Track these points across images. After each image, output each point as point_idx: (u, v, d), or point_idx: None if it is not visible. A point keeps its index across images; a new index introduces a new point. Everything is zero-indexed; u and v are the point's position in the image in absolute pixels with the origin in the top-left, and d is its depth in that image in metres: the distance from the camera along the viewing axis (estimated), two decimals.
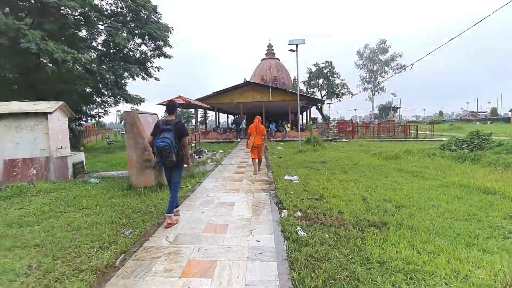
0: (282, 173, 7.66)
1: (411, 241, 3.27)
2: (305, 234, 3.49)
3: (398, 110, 72.42)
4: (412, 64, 9.11)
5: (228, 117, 39.60)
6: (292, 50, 12.92)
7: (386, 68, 55.34)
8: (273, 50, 41.10)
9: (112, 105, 20.02)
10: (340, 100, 46.27)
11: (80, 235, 3.75)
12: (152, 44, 19.39)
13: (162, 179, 6.01)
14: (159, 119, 5.34)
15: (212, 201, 5.03)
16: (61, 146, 7.58)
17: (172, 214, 3.95)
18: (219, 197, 5.30)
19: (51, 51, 11.15)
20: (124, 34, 15.98)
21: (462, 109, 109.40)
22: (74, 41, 14.80)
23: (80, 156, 8.29)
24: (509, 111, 53.48)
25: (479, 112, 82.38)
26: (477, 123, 53.97)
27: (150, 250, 3.05)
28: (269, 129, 23.85)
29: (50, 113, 7.05)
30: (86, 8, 14.52)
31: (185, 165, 4.20)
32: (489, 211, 4.34)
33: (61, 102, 7.64)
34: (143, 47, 19.68)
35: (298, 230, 3.59)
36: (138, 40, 18.97)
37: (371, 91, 57.13)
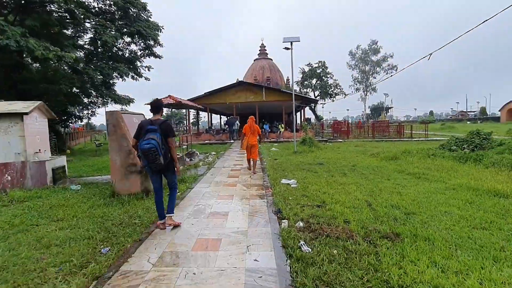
0: (278, 176, 7.22)
1: (432, 257, 2.86)
2: (310, 250, 3.04)
3: (389, 110, 73.00)
4: (431, 54, 8.78)
5: (221, 117, 39.05)
6: (287, 48, 12.51)
7: (378, 69, 55.50)
8: (265, 50, 40.70)
9: (100, 106, 19.23)
10: (333, 101, 46.16)
11: (49, 254, 3.24)
12: (142, 43, 18.73)
13: (149, 184, 5.50)
14: (143, 119, 4.85)
15: (203, 210, 4.54)
16: (39, 150, 6.98)
17: (172, 214, 3.88)
18: (211, 205, 4.81)
19: (32, 49, 10.46)
20: (113, 32, 15.33)
21: (452, 109, 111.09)
22: (59, 39, 14.08)
23: (61, 160, 7.68)
24: (499, 111, 54.24)
25: (469, 111, 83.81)
26: (468, 122, 54.68)
27: (128, 275, 2.55)
28: (263, 129, 23.44)
29: (26, 113, 6.46)
30: (72, 5, 13.85)
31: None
32: (507, 218, 3.98)
33: (39, 102, 7.04)
34: (133, 46, 19.02)
35: (301, 244, 3.14)
36: (128, 39, 18.30)
37: (363, 91, 57.24)
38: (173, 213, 3.91)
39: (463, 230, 3.57)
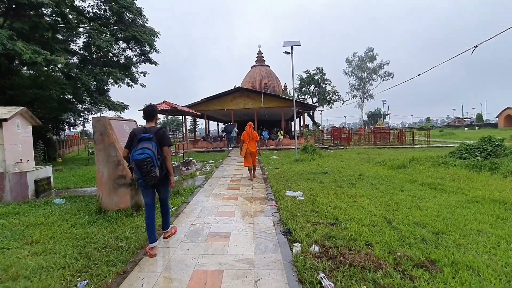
0: (282, 187, 6.66)
1: None
2: (332, 285, 2.48)
3: (386, 116, 73.04)
4: (476, 46, 8.30)
5: (218, 124, 38.54)
6: (287, 52, 12.09)
7: (374, 76, 55.46)
8: (263, 57, 40.51)
9: (94, 112, 18.62)
10: (331, 107, 45.87)
11: None
12: (138, 49, 18.27)
13: (140, 199, 4.93)
14: (135, 127, 4.31)
15: (201, 231, 3.95)
16: (21, 160, 6.37)
17: (168, 228, 3.71)
18: (210, 224, 4.22)
19: (19, 52, 9.93)
20: (107, 37, 14.85)
21: (447, 115, 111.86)
22: (50, 43, 13.55)
23: (46, 171, 7.07)
24: (496, 117, 54.40)
25: (465, 118, 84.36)
26: (465, 128, 54.76)
27: None
28: (262, 136, 22.94)
29: (5, 120, 5.88)
30: (66, 10, 13.38)
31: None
32: None
33: (21, 108, 6.46)
34: (128, 52, 18.54)
35: (321, 278, 2.58)
36: (123, 45, 17.84)
37: (360, 98, 57.11)
38: (169, 227, 3.73)
39: (507, 255, 3.04)
